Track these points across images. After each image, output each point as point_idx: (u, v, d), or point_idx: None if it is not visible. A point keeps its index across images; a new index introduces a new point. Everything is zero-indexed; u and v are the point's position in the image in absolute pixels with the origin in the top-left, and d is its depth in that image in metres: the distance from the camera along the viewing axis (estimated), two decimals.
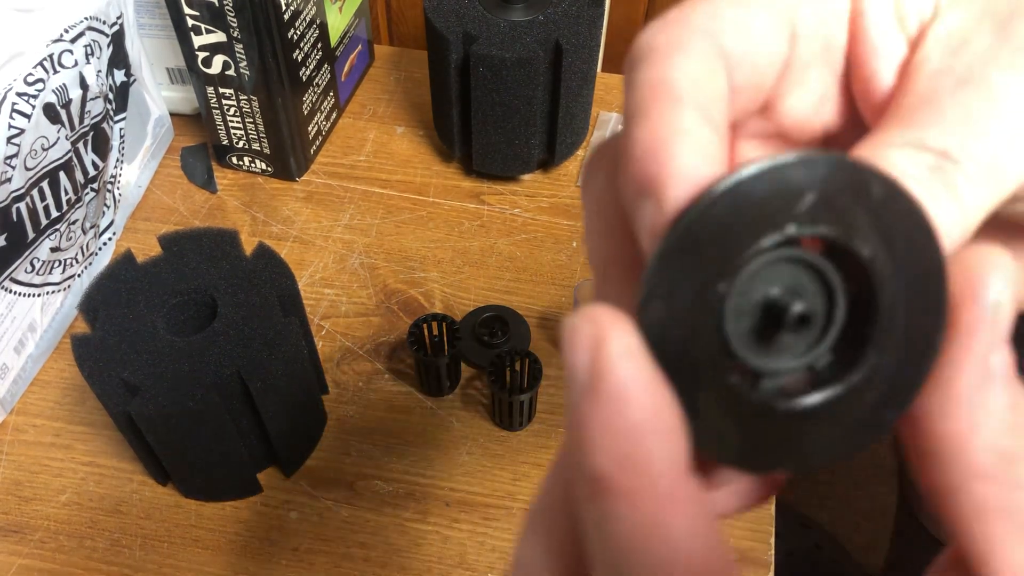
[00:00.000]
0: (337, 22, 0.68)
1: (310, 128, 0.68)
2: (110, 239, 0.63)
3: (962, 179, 0.18)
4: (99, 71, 0.56)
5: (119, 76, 0.60)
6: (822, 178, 0.17)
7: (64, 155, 0.54)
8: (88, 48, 0.55)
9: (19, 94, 0.49)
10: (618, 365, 0.16)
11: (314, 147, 0.70)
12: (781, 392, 0.18)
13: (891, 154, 0.18)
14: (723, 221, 0.17)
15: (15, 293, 0.53)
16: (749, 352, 0.18)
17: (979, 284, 0.17)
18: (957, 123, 0.18)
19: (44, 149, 0.52)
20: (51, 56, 0.51)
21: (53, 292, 0.57)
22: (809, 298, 0.18)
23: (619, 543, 0.16)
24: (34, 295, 0.55)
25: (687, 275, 0.17)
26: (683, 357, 0.17)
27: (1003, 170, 0.18)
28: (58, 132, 0.53)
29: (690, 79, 0.18)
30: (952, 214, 0.18)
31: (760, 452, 0.18)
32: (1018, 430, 0.17)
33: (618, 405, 0.16)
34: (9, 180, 0.49)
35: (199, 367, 0.45)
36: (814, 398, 0.18)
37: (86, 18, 0.54)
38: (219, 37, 0.59)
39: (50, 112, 0.52)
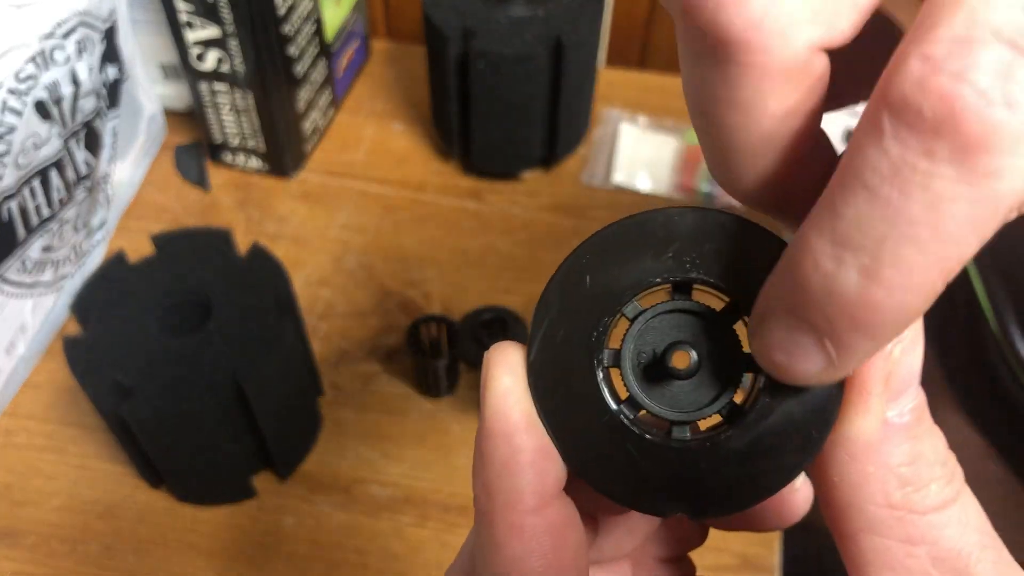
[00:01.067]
0: (334, 17, 0.67)
1: (306, 125, 0.67)
2: (102, 238, 0.62)
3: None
4: (91, 67, 0.55)
5: (112, 72, 0.59)
6: (712, 228, 0.17)
7: (56, 153, 0.53)
8: (80, 44, 0.54)
9: (10, 91, 0.48)
10: (492, 404, 0.18)
11: (310, 144, 0.69)
12: (684, 437, 0.18)
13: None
14: (605, 269, 0.18)
15: (6, 293, 0.52)
16: (646, 397, 0.19)
17: None
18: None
19: (35, 147, 0.51)
20: (43, 52, 0.50)
21: (44, 292, 0.56)
22: (704, 348, 0.18)
23: (479, 553, 0.18)
24: (25, 295, 0.54)
25: (573, 321, 0.18)
26: (570, 397, 0.18)
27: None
28: (50, 130, 0.52)
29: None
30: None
31: (653, 495, 0.18)
32: (915, 484, 0.17)
33: (488, 440, 0.18)
34: (0, 178, 0.48)
35: (193, 369, 0.45)
36: (717, 443, 0.18)
37: (78, 13, 0.53)
38: (213, 32, 0.58)
39: (41, 109, 0.51)
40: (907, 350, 0.17)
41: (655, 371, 0.19)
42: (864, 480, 0.17)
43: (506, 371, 0.18)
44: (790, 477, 0.18)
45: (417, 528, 0.51)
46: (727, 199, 0.66)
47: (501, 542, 0.18)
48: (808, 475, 0.18)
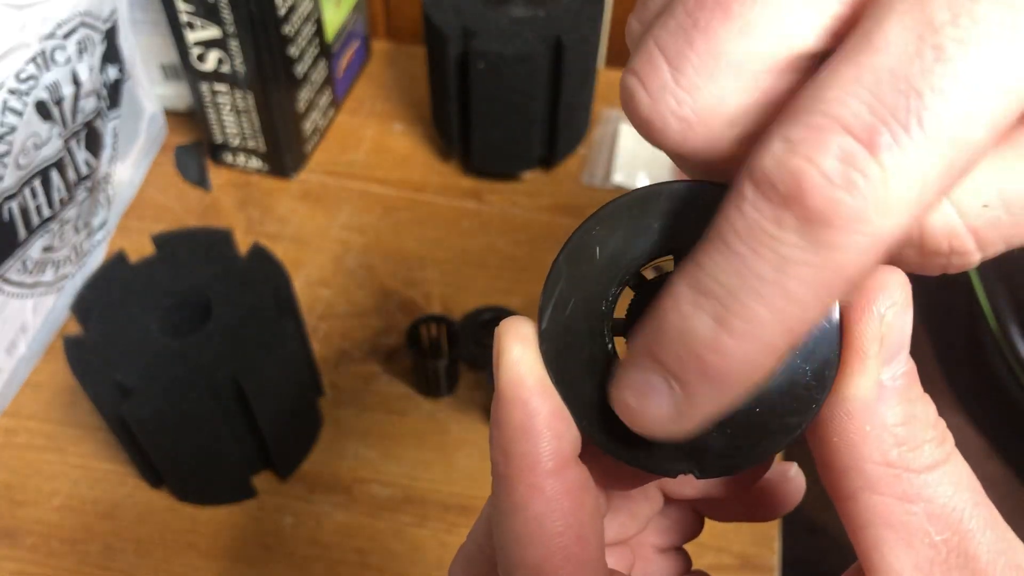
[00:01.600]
0: (334, 17, 0.67)
1: (306, 125, 0.67)
2: (103, 238, 0.62)
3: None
4: (92, 68, 0.55)
5: (112, 73, 0.59)
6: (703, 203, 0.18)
7: (56, 153, 0.53)
8: (81, 44, 0.54)
9: (11, 91, 0.48)
10: (505, 371, 0.19)
11: (310, 144, 0.69)
12: None
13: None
14: (613, 240, 0.18)
15: (7, 293, 0.52)
16: None
17: (868, 303, 0.18)
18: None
19: (36, 147, 0.51)
20: (43, 52, 0.50)
21: (45, 292, 0.56)
22: None
23: (498, 518, 0.19)
24: (26, 295, 0.54)
25: (582, 292, 0.19)
26: (581, 365, 0.19)
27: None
28: (50, 130, 0.52)
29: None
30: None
31: (660, 455, 0.19)
32: (909, 444, 0.18)
33: (504, 405, 0.19)
34: (0, 179, 0.48)
35: (193, 369, 0.45)
36: None
37: (79, 14, 0.53)
38: (214, 33, 0.58)
39: (42, 109, 0.51)
40: (898, 314, 0.18)
41: None
42: (862, 439, 0.18)
43: (518, 340, 0.19)
44: (792, 436, 0.18)
45: (417, 528, 0.51)
46: None
47: (522, 503, 0.18)
48: (808, 439, 0.19)
